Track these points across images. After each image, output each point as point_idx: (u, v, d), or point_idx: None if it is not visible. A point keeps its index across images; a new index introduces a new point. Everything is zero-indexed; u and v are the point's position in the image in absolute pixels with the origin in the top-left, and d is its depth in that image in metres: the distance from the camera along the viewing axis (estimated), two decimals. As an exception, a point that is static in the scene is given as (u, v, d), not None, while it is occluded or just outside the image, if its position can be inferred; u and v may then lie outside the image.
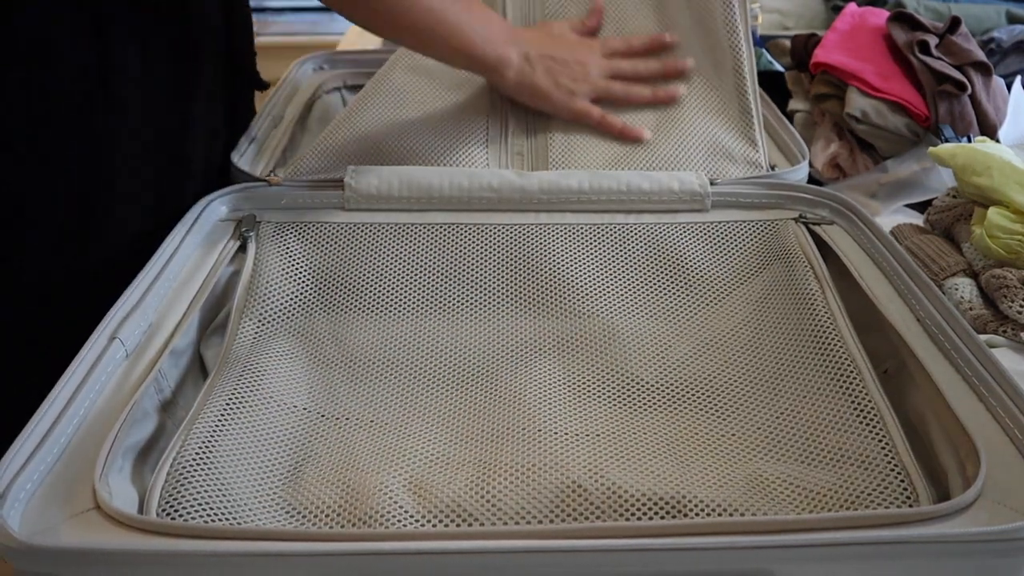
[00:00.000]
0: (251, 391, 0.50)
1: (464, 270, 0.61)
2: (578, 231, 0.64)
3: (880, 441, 0.45)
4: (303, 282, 0.60)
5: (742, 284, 0.61)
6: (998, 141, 0.77)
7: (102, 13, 0.56)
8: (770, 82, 0.96)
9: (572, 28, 0.76)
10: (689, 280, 0.61)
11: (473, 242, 0.63)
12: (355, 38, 1.31)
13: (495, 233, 0.63)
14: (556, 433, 0.48)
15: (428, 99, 0.75)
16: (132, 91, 0.58)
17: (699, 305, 0.60)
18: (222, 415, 0.47)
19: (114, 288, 0.52)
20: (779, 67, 1.02)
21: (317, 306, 0.59)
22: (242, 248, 0.61)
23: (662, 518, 0.42)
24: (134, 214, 0.60)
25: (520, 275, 0.61)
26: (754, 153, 0.70)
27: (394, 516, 0.42)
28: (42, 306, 0.58)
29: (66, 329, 0.49)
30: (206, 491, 0.42)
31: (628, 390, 0.53)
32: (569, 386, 0.53)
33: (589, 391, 0.53)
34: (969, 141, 0.75)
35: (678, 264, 0.62)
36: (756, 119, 0.72)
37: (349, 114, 0.74)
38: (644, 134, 0.71)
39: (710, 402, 0.52)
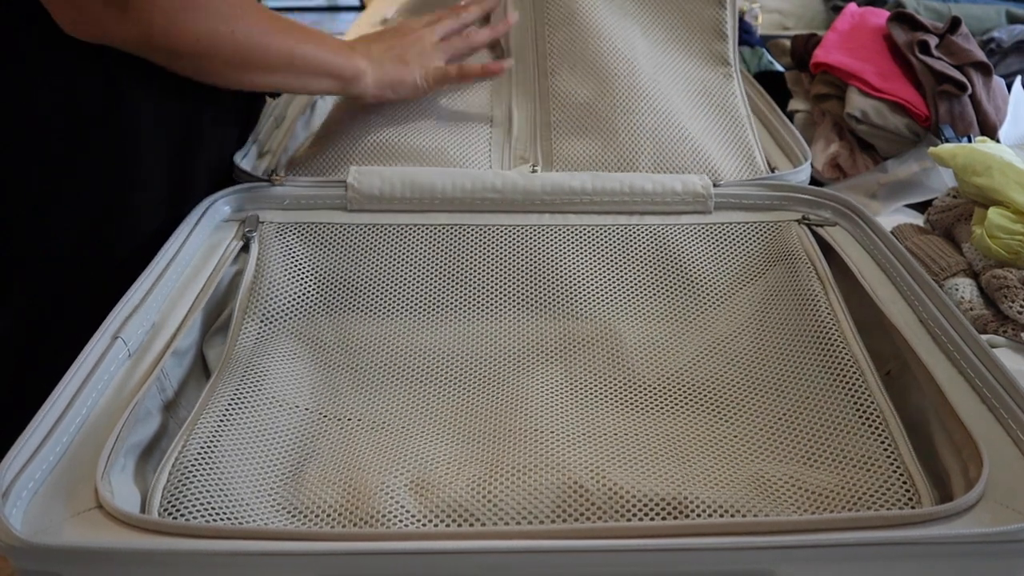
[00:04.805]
0: (253, 391, 0.50)
1: (466, 271, 0.61)
2: (581, 232, 0.64)
3: (883, 442, 0.45)
4: (306, 283, 0.60)
5: (745, 285, 0.61)
6: (998, 141, 0.77)
7: None
8: (770, 82, 0.96)
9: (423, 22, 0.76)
10: (692, 281, 0.61)
11: (476, 243, 0.63)
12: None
13: (498, 234, 0.63)
14: (558, 434, 0.48)
15: (430, 99, 0.75)
16: (145, 99, 0.58)
17: (702, 306, 0.60)
18: (224, 415, 0.47)
19: (124, 291, 0.52)
20: (779, 67, 1.02)
21: (319, 307, 0.59)
22: (245, 248, 0.61)
23: (663, 519, 0.42)
24: (150, 220, 0.60)
25: (523, 276, 0.61)
26: (753, 154, 0.70)
27: (395, 516, 0.42)
28: (54, 307, 0.58)
29: (77, 330, 0.49)
30: (208, 491, 0.42)
31: (630, 391, 0.53)
32: (571, 387, 0.53)
33: (591, 392, 0.53)
34: (969, 141, 0.75)
35: (681, 265, 0.62)
36: (748, 122, 0.73)
37: (347, 113, 0.74)
38: (505, 65, 0.74)
39: (712, 403, 0.52)
